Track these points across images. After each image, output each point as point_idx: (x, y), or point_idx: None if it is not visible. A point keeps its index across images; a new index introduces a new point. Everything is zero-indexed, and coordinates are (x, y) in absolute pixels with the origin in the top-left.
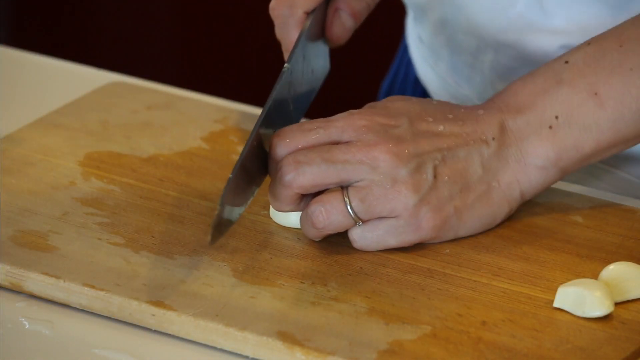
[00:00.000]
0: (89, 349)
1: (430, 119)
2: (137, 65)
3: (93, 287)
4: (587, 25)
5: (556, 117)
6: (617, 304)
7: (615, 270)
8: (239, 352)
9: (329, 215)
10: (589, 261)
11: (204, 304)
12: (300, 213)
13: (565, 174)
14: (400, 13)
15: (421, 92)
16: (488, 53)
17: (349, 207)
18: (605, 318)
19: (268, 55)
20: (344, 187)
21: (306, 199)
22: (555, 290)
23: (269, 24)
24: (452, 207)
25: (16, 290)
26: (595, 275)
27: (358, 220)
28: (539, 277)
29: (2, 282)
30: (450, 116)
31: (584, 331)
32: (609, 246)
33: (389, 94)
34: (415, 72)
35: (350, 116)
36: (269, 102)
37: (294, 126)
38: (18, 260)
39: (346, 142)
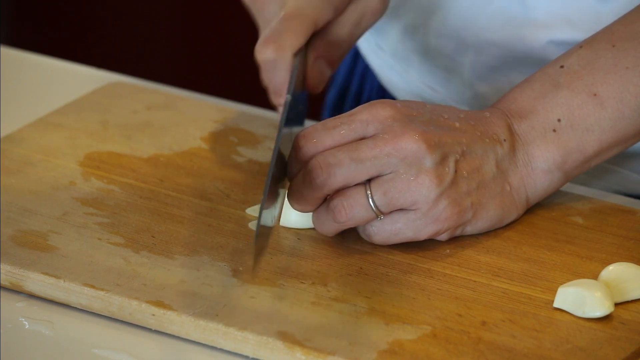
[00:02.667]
0: (89, 349)
1: (446, 115)
2: (137, 65)
3: (93, 287)
4: (572, 18)
5: (559, 120)
6: (617, 305)
7: (615, 270)
8: (239, 352)
9: (351, 209)
10: (589, 261)
11: (204, 304)
12: (300, 213)
13: (569, 179)
14: None
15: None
16: (468, 54)
17: (370, 200)
18: (605, 318)
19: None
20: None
21: None
22: (555, 291)
23: None
24: (469, 202)
25: (16, 290)
26: (595, 276)
27: (379, 214)
28: (539, 277)
29: (2, 282)
30: (462, 115)
31: (584, 331)
32: (608, 247)
33: (337, 107)
34: (379, 81)
35: (372, 108)
36: (282, 122)
37: (317, 125)
38: (18, 260)
39: (372, 136)
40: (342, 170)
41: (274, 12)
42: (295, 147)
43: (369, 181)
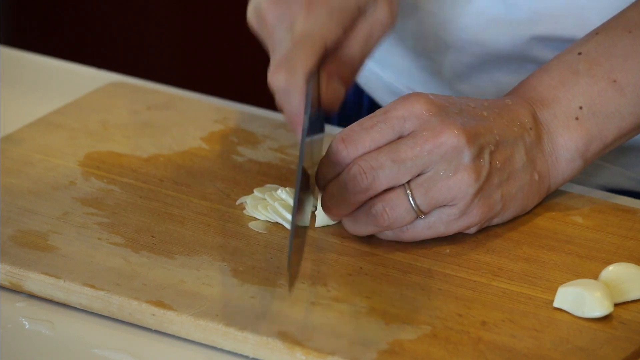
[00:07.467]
0: (89, 349)
1: (472, 105)
2: (137, 65)
3: (93, 287)
4: (555, 13)
5: (580, 108)
6: (617, 305)
7: (615, 270)
8: (239, 352)
9: (393, 213)
10: (589, 261)
11: (204, 304)
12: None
13: (586, 166)
14: None
15: (368, 100)
16: (448, 54)
17: (412, 201)
18: (605, 318)
19: (269, 55)
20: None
21: None
22: (555, 291)
23: None
24: (499, 194)
25: (16, 290)
26: (595, 276)
27: (420, 214)
28: (539, 277)
29: (2, 282)
30: (486, 104)
31: (584, 331)
32: (608, 246)
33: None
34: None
35: (407, 102)
36: (302, 145)
37: (354, 127)
38: (18, 260)
39: (411, 133)
40: (385, 173)
41: (283, 36)
42: (335, 150)
43: (408, 182)
